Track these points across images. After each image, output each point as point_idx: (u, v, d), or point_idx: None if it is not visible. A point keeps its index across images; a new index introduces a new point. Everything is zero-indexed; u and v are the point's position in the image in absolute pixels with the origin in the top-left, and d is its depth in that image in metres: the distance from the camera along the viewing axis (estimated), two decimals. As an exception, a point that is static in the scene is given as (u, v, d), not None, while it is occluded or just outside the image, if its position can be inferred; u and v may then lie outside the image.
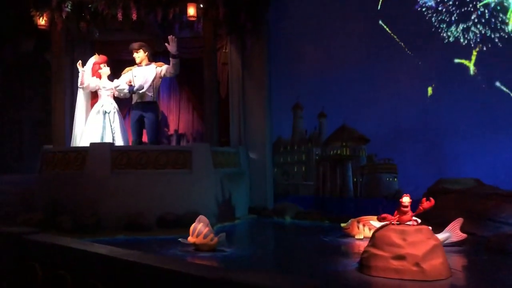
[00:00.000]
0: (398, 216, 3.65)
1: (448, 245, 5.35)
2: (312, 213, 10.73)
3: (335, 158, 30.82)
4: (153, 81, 8.97)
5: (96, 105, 8.88)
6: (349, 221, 6.46)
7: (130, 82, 8.65)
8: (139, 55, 8.91)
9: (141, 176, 8.09)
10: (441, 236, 5.45)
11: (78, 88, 9.02)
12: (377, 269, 3.33)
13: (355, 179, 27.30)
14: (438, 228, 4.91)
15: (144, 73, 8.81)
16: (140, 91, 8.81)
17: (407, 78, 15.93)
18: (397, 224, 3.62)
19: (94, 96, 9.30)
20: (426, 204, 3.53)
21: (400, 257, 3.28)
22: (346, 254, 5.10)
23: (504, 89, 12.20)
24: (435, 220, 4.92)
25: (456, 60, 12.89)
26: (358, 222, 6.38)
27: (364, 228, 6.19)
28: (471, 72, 12.66)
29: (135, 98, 9.04)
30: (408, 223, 3.69)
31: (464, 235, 5.70)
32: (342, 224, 6.54)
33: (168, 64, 8.92)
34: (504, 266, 3.87)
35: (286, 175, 40.31)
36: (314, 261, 4.70)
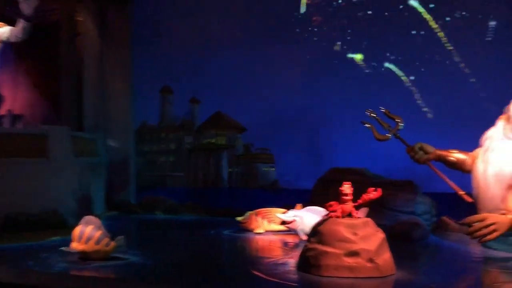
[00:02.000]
0: (340, 206, 3.39)
1: None
2: (187, 207, 9.91)
3: (208, 147, 30.59)
4: None
5: None
6: (246, 214, 6.12)
7: None
8: None
9: None
10: None
11: None
12: (329, 268, 3.14)
13: (230, 169, 27.35)
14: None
15: None
16: None
17: (287, 68, 15.87)
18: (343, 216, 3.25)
19: None
20: (372, 194, 3.37)
21: (353, 254, 3.15)
22: (263, 251, 4.64)
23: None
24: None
25: (335, 48, 12.99)
26: (256, 215, 5.97)
27: (264, 221, 5.79)
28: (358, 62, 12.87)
29: None
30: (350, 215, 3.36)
31: None
32: (238, 218, 6.15)
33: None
34: (421, 253, 3.78)
35: (152, 165, 39.02)
36: (237, 262, 4.12)
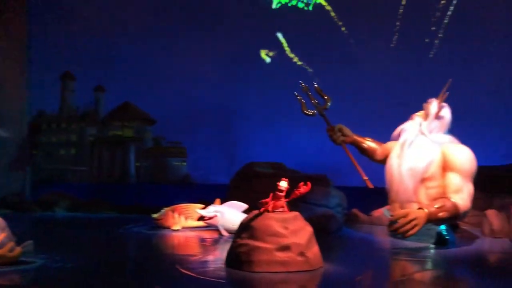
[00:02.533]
0: (273, 202, 3.18)
1: None
2: (92, 204, 8.96)
3: (115, 139, 29.28)
4: None
5: None
6: (162, 210, 5.74)
7: None
8: None
9: None
10: None
11: None
12: (261, 264, 2.99)
13: (138, 164, 26.33)
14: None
15: None
16: None
17: (202, 59, 15.36)
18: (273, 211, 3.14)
19: None
20: (303, 188, 3.18)
21: (285, 248, 3.04)
22: (184, 249, 4.36)
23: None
24: (251, 204, 4.78)
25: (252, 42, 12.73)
26: (173, 211, 5.57)
27: (181, 218, 5.57)
28: (267, 59, 12.69)
29: None
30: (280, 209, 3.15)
31: None
32: (154, 215, 5.67)
33: None
34: (338, 245, 4.00)
35: (50, 158, 36.35)
36: (161, 262, 3.68)
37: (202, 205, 5.45)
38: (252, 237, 3.13)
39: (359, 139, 4.65)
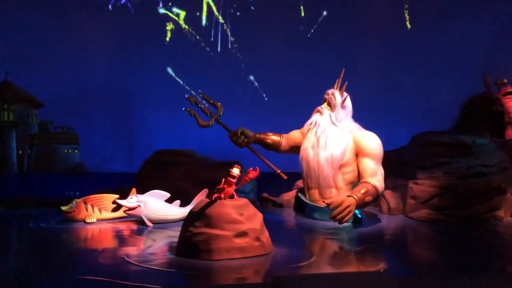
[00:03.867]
0: (225, 188, 3.54)
1: None
2: None
3: (-8, 123, 26.43)
4: None
5: None
6: (72, 202, 5.53)
7: None
8: None
9: None
10: (187, 209, 5.25)
11: None
12: (221, 251, 3.28)
13: (21, 151, 24.00)
14: (174, 200, 5.26)
15: None
16: None
17: (96, 35, 14.34)
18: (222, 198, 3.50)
19: None
20: (252, 174, 3.59)
21: (243, 234, 3.38)
22: (117, 242, 4.38)
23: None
24: (171, 192, 5.18)
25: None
26: (85, 203, 5.49)
27: (94, 209, 5.42)
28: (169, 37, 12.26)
29: None
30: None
31: None
32: (63, 207, 5.32)
33: None
34: (273, 227, 4.01)
35: None
36: (101, 257, 3.60)
37: (117, 195, 5.53)
38: (209, 225, 3.34)
39: (262, 136, 5.11)
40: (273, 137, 5.11)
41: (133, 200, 5.07)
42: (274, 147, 5.11)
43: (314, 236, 4.15)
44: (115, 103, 14.23)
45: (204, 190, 5.25)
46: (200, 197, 5.22)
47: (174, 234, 4.10)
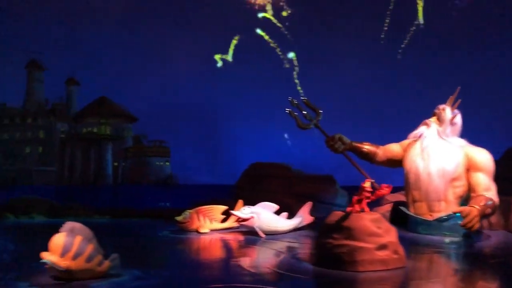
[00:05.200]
0: (360, 202, 3.53)
1: (300, 229, 5.47)
2: (74, 208, 8.52)
3: (89, 137, 28.58)
4: None
5: None
6: (186, 213, 5.82)
7: None
8: None
9: None
10: (295, 220, 5.48)
11: None
12: (364, 263, 3.35)
13: (116, 163, 25.76)
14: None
15: None
16: None
17: (186, 54, 15.09)
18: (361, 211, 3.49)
19: None
20: (385, 190, 3.62)
21: (383, 247, 3.43)
22: (244, 251, 4.48)
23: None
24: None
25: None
26: (197, 213, 5.75)
27: (206, 220, 5.69)
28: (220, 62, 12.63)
29: None
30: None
31: (312, 218, 5.84)
32: (178, 218, 5.72)
33: None
34: None
35: (12, 157, 35.33)
36: (249, 265, 3.76)
37: (225, 207, 5.67)
38: (351, 237, 3.45)
39: (358, 144, 5.11)
40: (369, 147, 5.12)
41: (246, 211, 5.33)
42: (370, 157, 5.11)
43: (421, 250, 4.13)
44: (202, 117, 14.89)
45: (308, 203, 5.43)
46: (305, 211, 5.43)
47: (291, 245, 4.35)
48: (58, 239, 3.53)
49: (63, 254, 3.42)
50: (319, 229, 3.65)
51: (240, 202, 5.52)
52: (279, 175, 6.70)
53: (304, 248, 4.39)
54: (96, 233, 3.72)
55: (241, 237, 5.27)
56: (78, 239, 3.54)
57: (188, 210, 5.83)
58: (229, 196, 7.11)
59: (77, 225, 3.69)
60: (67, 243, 3.49)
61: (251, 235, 5.07)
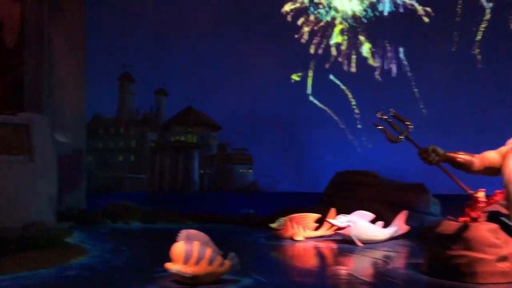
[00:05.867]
0: (475, 212, 3.64)
1: (395, 238, 5.69)
2: (167, 214, 8.87)
3: (177, 146, 29.78)
4: None
5: None
6: (280, 220, 6.05)
7: None
8: None
9: None
10: (391, 229, 5.71)
11: None
12: (484, 275, 3.35)
13: (202, 171, 26.59)
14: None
15: None
16: None
17: (268, 63, 15.25)
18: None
19: None
20: (498, 196, 3.88)
21: (504, 258, 3.42)
22: (348, 259, 4.68)
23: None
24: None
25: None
26: (291, 221, 5.94)
27: (299, 228, 5.88)
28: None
29: None
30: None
31: (408, 227, 5.97)
32: (272, 225, 5.95)
33: None
34: None
35: (107, 165, 37.38)
36: (363, 273, 4.04)
37: (318, 215, 5.81)
38: (469, 248, 3.46)
39: (453, 155, 4.88)
40: (464, 156, 4.86)
41: (342, 220, 5.41)
42: (466, 167, 4.84)
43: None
44: (284, 125, 14.95)
45: (404, 212, 5.51)
46: (401, 220, 5.51)
47: (389, 254, 4.36)
48: (179, 248, 3.71)
49: (186, 262, 3.60)
50: (432, 239, 3.67)
51: (333, 210, 5.62)
52: (368, 183, 6.74)
53: (402, 257, 4.51)
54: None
55: (336, 246, 5.36)
56: (196, 245, 3.73)
57: (282, 218, 6.00)
58: (316, 203, 7.19)
59: (192, 231, 3.92)
60: (187, 250, 3.66)
61: (345, 244, 5.22)
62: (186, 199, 19.02)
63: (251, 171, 23.41)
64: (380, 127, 4.84)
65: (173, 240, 4.37)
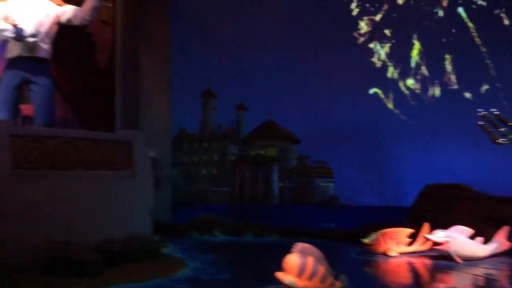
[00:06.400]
0: None
1: (496, 255, 5.49)
2: (250, 226, 9.14)
3: (257, 159, 30.12)
4: (49, 26, 6.53)
5: None
6: (373, 235, 6.07)
7: (14, 21, 6.13)
8: None
9: (66, 181, 5.89)
10: (491, 246, 5.50)
11: None
12: None
13: (281, 184, 26.72)
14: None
15: (37, 11, 6.36)
16: (31, 40, 6.26)
17: (345, 75, 15.27)
18: None
19: None
20: None
21: None
22: (445, 277, 4.55)
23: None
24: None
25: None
26: (383, 236, 5.82)
27: (393, 243, 5.75)
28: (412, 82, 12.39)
29: (15, 50, 6.49)
30: None
31: (510, 244, 5.70)
32: (365, 240, 6.06)
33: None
34: None
35: (191, 178, 38.43)
36: None
37: (411, 230, 5.81)
38: None
39: None
40: None
41: (440, 235, 5.34)
42: None
43: None
44: (366, 138, 14.90)
45: (505, 228, 5.44)
46: (502, 236, 5.42)
47: (490, 271, 4.35)
48: (293, 260, 3.88)
49: (299, 275, 3.76)
50: None
51: (427, 225, 5.55)
52: (463, 196, 6.54)
53: (505, 275, 4.45)
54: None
55: (432, 262, 5.28)
56: (310, 260, 3.90)
57: (374, 233, 6.00)
58: (402, 217, 7.10)
59: (308, 246, 4.06)
60: (302, 264, 3.83)
61: (442, 260, 5.14)
62: (266, 212, 19.22)
63: (331, 184, 23.23)
64: (483, 126, 4.78)
65: (265, 253, 4.50)
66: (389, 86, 14.94)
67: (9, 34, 6.07)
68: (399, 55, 14.74)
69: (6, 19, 6.13)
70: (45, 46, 6.45)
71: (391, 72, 15.12)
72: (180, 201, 15.94)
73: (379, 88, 15.15)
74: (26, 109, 8.35)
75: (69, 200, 5.82)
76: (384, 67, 14.67)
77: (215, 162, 40.51)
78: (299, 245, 3.86)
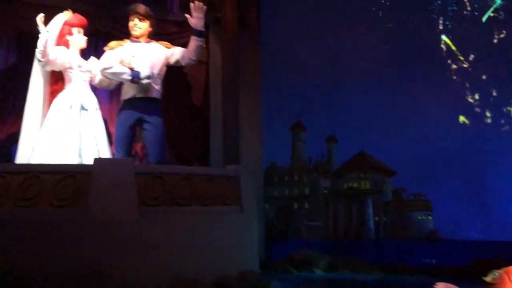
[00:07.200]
0: None
1: None
2: (352, 262, 8.90)
3: (350, 192, 29.48)
4: (160, 68, 6.96)
5: (63, 96, 6.69)
6: (495, 273, 5.39)
7: (130, 65, 6.56)
8: (142, 26, 6.89)
9: (184, 217, 6.17)
10: None
11: (34, 65, 6.88)
12: None
13: (377, 218, 25.94)
14: None
15: (149, 54, 6.80)
16: (146, 81, 6.67)
17: (439, 103, 14.67)
18: None
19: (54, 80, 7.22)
20: None
21: None
22: None
23: None
24: None
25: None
26: (507, 274, 5.29)
27: None
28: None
29: (130, 92, 6.91)
30: None
31: None
32: (486, 278, 5.51)
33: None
34: None
35: (282, 213, 38.23)
36: None
37: None
38: None
39: None
40: None
41: None
42: None
43: None
44: (465, 167, 14.12)
45: None
46: None
47: None
48: None
49: None
50: None
51: None
52: None
53: None
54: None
55: None
56: None
57: (497, 271, 5.58)
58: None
59: (450, 286, 3.88)
60: None
61: None
62: (362, 247, 18.65)
63: (430, 217, 22.15)
64: None
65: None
66: (488, 115, 14.18)
67: (127, 77, 6.46)
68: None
69: (122, 62, 6.53)
70: (157, 87, 6.78)
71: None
72: (273, 236, 15.84)
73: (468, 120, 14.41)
74: (138, 147, 8.76)
75: (187, 236, 5.93)
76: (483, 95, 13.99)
77: (306, 196, 40.15)
78: (441, 285, 3.67)
